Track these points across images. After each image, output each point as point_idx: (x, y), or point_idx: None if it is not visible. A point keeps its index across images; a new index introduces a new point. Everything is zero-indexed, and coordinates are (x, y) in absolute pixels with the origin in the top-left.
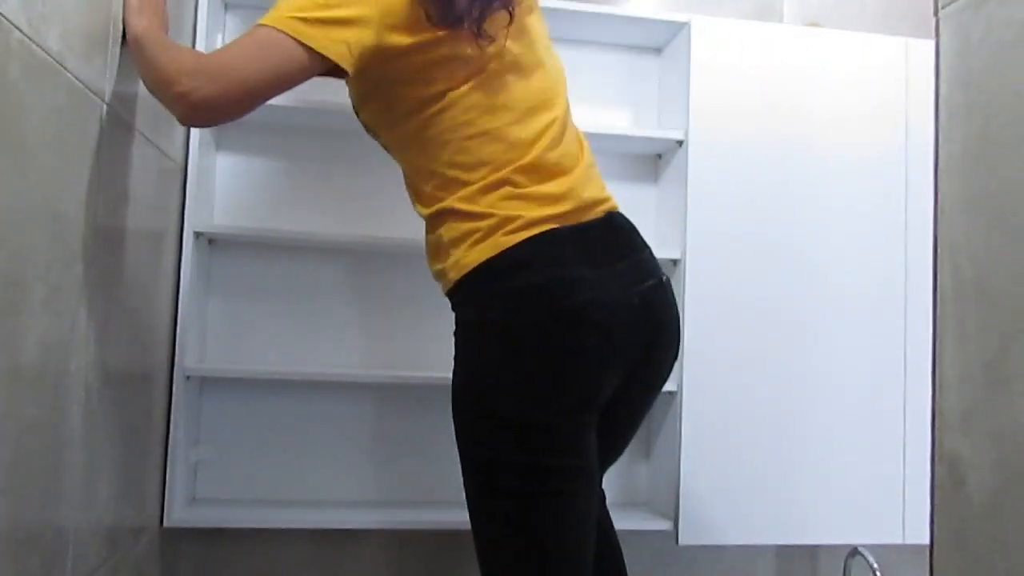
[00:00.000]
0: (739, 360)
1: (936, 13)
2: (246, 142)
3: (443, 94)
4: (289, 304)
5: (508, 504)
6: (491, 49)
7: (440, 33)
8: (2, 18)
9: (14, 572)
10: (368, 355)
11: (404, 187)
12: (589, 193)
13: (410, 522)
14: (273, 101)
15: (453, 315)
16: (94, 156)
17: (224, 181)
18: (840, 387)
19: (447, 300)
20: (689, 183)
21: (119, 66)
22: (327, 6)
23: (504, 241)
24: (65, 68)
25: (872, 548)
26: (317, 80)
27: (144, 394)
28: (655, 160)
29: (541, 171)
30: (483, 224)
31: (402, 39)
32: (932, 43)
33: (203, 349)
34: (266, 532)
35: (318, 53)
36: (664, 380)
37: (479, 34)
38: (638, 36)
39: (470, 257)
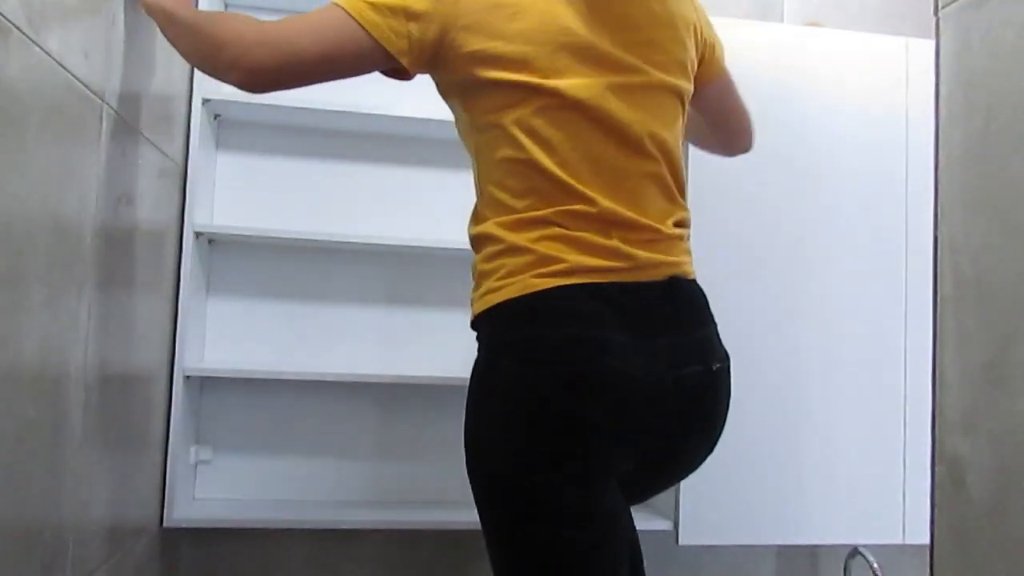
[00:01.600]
0: (739, 360)
1: (936, 13)
2: (246, 142)
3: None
4: (289, 304)
5: (524, 559)
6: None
7: None
8: (2, 18)
9: (14, 572)
10: (368, 355)
11: (405, 187)
12: (655, 253)
13: (410, 522)
14: (273, 101)
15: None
16: (94, 156)
17: (224, 181)
18: (840, 387)
19: (447, 300)
20: (689, 183)
21: (119, 66)
22: None
23: (535, 283)
24: (65, 68)
25: (872, 548)
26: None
27: (144, 394)
28: None
29: (603, 219)
30: (518, 260)
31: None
32: (932, 43)
33: (203, 349)
34: (266, 532)
35: (379, 43)
36: (687, 473)
37: None
38: None
39: (495, 294)
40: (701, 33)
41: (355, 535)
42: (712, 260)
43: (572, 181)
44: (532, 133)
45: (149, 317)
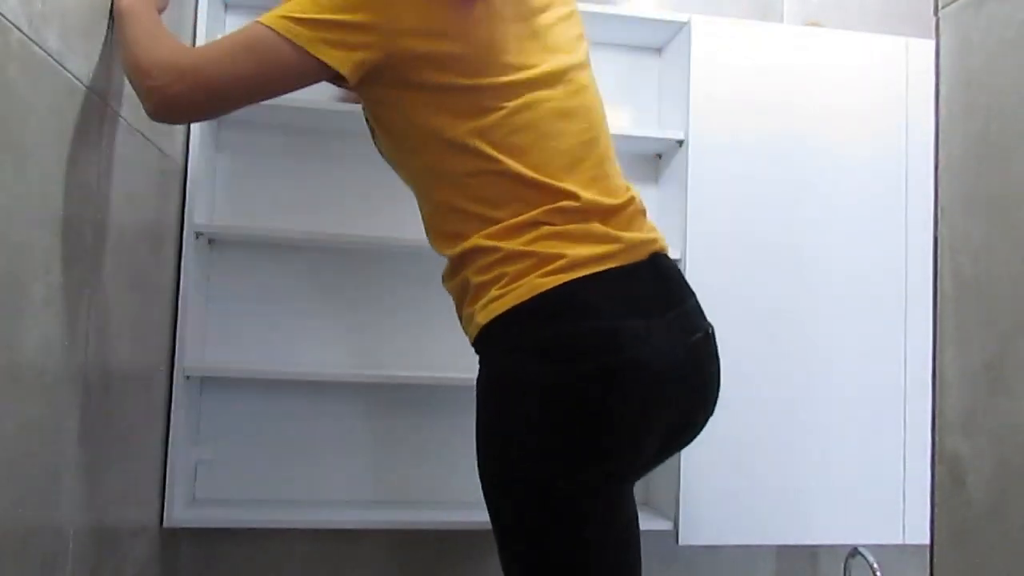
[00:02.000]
0: (739, 360)
1: (936, 13)
2: (246, 142)
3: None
4: (289, 304)
5: (557, 562)
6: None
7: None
8: (2, 18)
9: (14, 572)
10: (368, 355)
11: (403, 186)
12: (630, 232)
13: (410, 522)
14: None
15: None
16: (94, 156)
17: (224, 181)
18: (840, 387)
19: (447, 300)
20: (689, 183)
21: (119, 66)
22: (331, 8)
23: (542, 283)
24: (65, 68)
25: (872, 548)
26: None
27: (144, 394)
28: (655, 160)
29: (581, 209)
30: (519, 265)
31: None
32: (932, 43)
33: (203, 349)
34: (266, 532)
35: (313, 57)
36: (689, 442)
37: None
38: (638, 36)
39: (502, 301)
40: None
41: (355, 535)
42: (712, 260)
43: (550, 180)
44: (497, 143)
45: (149, 317)
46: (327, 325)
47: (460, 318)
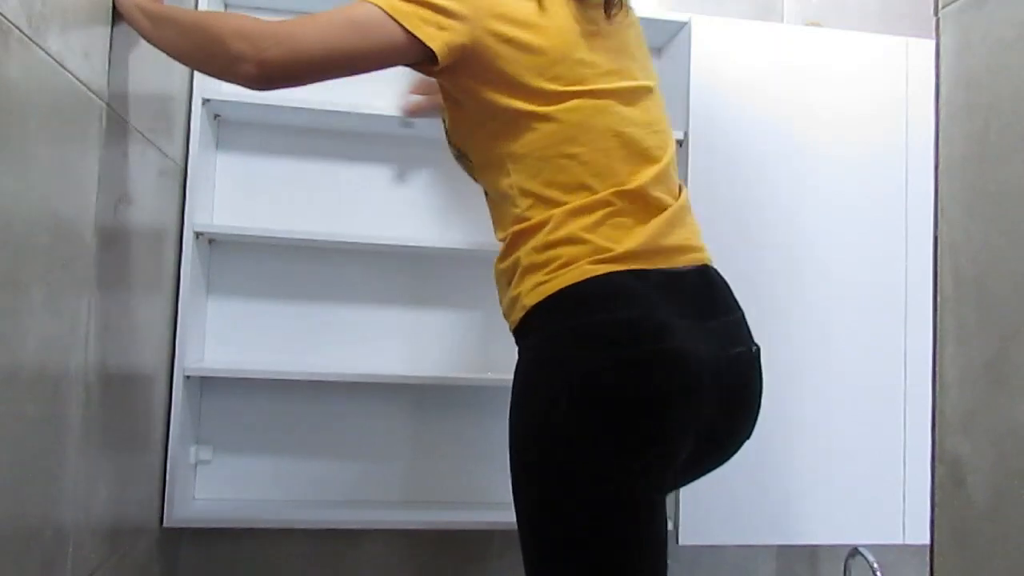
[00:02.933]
0: None
1: (936, 13)
2: (246, 142)
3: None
4: (289, 304)
5: (572, 560)
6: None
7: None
8: (2, 18)
9: (14, 572)
10: (368, 355)
11: (405, 188)
12: (682, 237)
13: (410, 522)
14: (273, 101)
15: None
16: (94, 156)
17: (224, 181)
18: (840, 387)
19: (447, 300)
20: (689, 183)
21: (119, 66)
22: None
23: (592, 269)
24: (65, 68)
25: (872, 548)
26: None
27: (144, 394)
28: None
29: (640, 203)
30: (572, 249)
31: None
32: (932, 43)
33: (203, 349)
34: (266, 532)
35: (411, 34)
36: (727, 458)
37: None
38: None
39: (551, 283)
40: None
41: (355, 535)
42: (712, 260)
43: (614, 174)
44: (568, 133)
45: (149, 317)
46: (327, 325)
47: (502, 303)
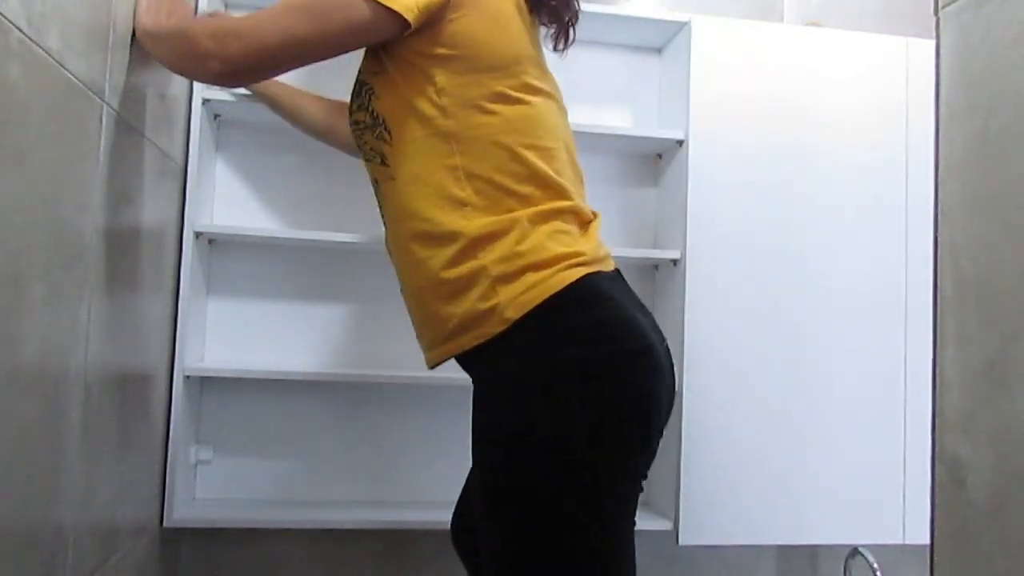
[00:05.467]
0: (739, 360)
1: (936, 13)
2: (246, 142)
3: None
4: (289, 304)
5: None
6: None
7: None
8: (2, 18)
9: (14, 572)
10: (368, 355)
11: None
12: (600, 243)
13: (410, 522)
14: None
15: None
16: (94, 156)
17: (224, 181)
18: (840, 387)
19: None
20: (689, 183)
21: (119, 66)
22: None
23: (568, 275)
24: (65, 68)
25: (872, 548)
26: (319, 79)
27: (144, 394)
28: (655, 160)
29: (584, 215)
30: (546, 255)
31: None
32: (932, 43)
33: (203, 349)
34: (266, 532)
35: (377, 3)
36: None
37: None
38: (638, 36)
39: (538, 289)
40: None
41: (355, 535)
42: (712, 260)
43: (559, 179)
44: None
45: (149, 317)
46: (327, 325)
47: (454, 322)
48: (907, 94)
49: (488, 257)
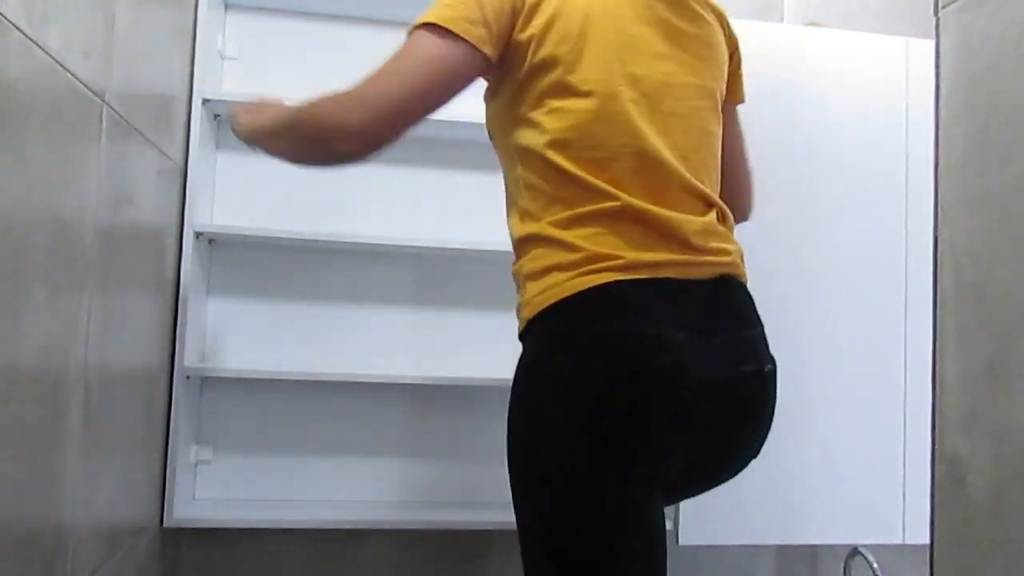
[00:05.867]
0: None
1: (936, 13)
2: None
3: None
4: (289, 304)
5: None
6: None
7: None
8: (2, 18)
9: (14, 572)
10: (368, 355)
11: (404, 187)
12: (705, 250)
13: (411, 522)
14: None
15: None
16: (94, 156)
17: (224, 181)
18: (840, 387)
19: (446, 300)
20: None
21: (119, 66)
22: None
23: (588, 280)
24: (65, 68)
25: (872, 548)
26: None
27: (144, 394)
28: None
29: (636, 213)
30: (571, 257)
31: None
32: (932, 43)
33: (203, 349)
34: (266, 532)
35: (462, 39)
36: (728, 477)
37: None
38: None
39: (549, 294)
40: None
41: (355, 535)
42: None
43: (609, 184)
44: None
45: (149, 317)
46: (327, 325)
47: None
48: (907, 94)
49: (524, 256)
